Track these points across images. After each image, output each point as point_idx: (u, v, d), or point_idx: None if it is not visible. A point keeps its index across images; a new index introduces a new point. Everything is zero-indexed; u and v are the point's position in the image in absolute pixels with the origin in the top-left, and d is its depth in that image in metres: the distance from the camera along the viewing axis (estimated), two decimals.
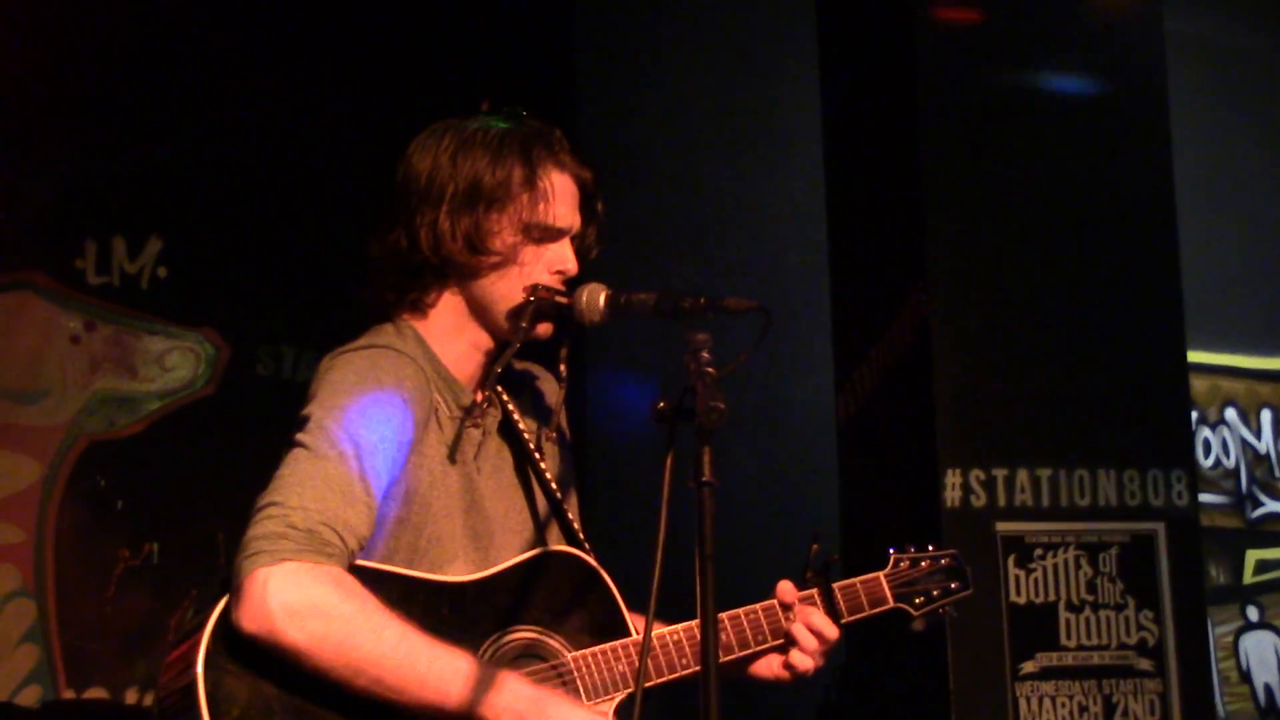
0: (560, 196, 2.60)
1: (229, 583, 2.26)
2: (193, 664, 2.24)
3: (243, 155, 5.13)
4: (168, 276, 5.02)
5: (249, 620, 2.22)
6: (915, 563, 2.87)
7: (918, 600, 2.84)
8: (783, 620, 2.68)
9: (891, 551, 2.86)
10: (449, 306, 2.61)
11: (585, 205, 2.67)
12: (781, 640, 2.69)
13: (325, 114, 5.23)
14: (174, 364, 5.02)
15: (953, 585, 2.89)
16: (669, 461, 2.18)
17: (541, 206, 2.56)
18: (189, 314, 5.04)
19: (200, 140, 5.08)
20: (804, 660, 2.69)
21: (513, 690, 2.33)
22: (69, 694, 4.72)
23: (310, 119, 5.23)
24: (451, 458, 2.54)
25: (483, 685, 2.31)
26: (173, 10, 5.12)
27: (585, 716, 2.38)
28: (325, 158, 5.13)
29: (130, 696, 4.75)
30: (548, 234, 2.59)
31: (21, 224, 4.86)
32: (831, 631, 2.70)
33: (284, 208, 5.14)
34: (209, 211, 5.08)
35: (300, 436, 2.37)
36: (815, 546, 2.76)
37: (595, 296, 2.50)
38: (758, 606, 2.68)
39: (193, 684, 2.22)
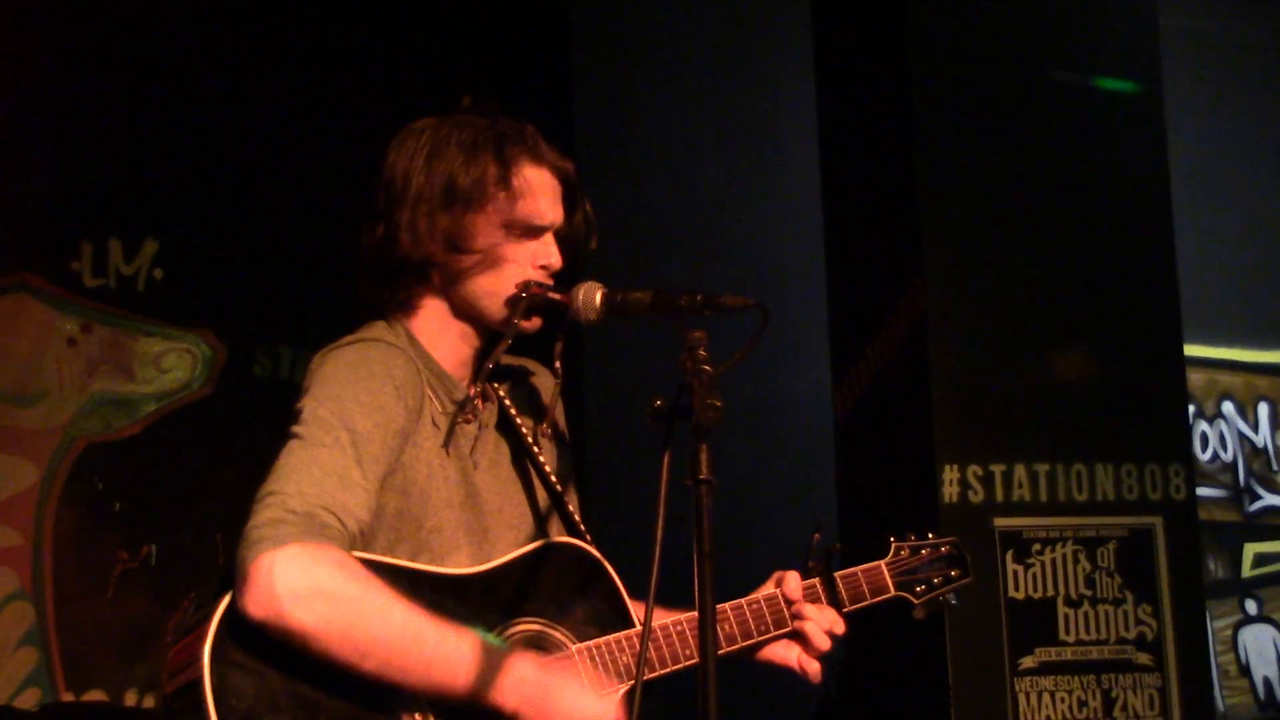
0: (538, 192, 2.60)
1: (232, 575, 2.26)
2: (198, 658, 2.24)
3: (238, 156, 5.13)
4: (164, 278, 5.02)
5: (255, 606, 2.22)
6: (915, 551, 2.86)
7: (919, 588, 2.84)
8: (787, 614, 2.69)
9: (892, 540, 2.86)
10: (436, 305, 2.62)
11: (568, 198, 2.67)
12: (785, 629, 2.69)
13: (320, 115, 5.23)
14: (171, 365, 5.02)
15: (953, 573, 2.88)
16: (666, 460, 2.18)
17: (519, 203, 2.57)
18: (185, 315, 5.05)
19: (195, 142, 5.08)
20: (813, 664, 2.71)
21: (520, 671, 2.34)
22: (68, 696, 4.72)
23: (305, 120, 5.23)
24: (446, 448, 2.55)
25: (490, 666, 2.31)
26: (168, 12, 5.12)
27: (591, 700, 2.39)
28: (320, 158, 5.13)
29: (130, 698, 4.75)
30: (528, 230, 2.59)
31: (17, 226, 4.86)
32: (840, 627, 2.71)
33: (280, 208, 5.14)
34: (205, 213, 5.08)
35: (295, 428, 2.39)
36: (816, 536, 2.77)
37: (591, 295, 2.50)
38: (760, 596, 2.69)
39: (199, 678, 2.22)
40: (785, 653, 2.73)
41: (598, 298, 2.50)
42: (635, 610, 2.60)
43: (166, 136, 5.06)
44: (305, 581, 2.22)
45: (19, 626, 4.71)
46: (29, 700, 4.67)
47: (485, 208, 2.55)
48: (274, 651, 2.25)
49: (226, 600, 2.27)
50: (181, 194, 5.06)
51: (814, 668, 2.71)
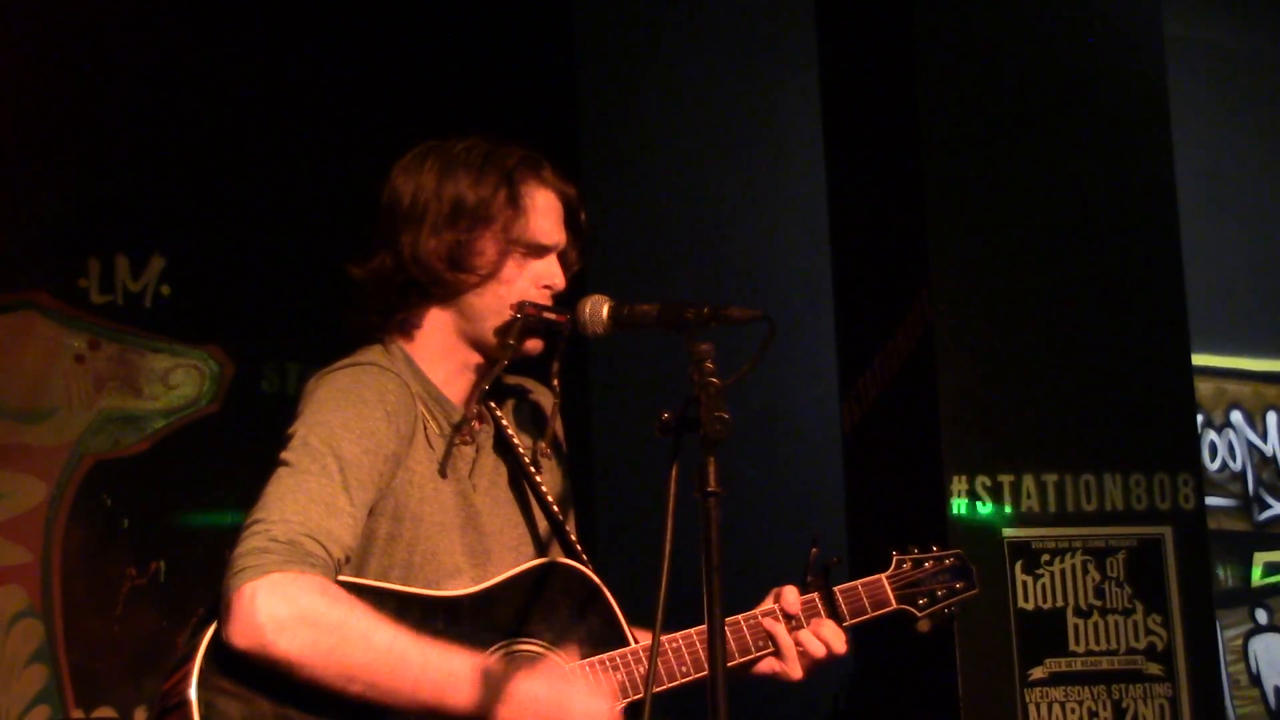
0: (543, 213, 2.61)
1: (218, 604, 2.27)
2: (186, 687, 2.24)
3: (245, 173, 5.14)
4: (171, 294, 5.03)
5: (239, 636, 2.22)
6: (918, 563, 2.84)
7: (921, 601, 2.81)
8: (786, 629, 2.67)
9: (894, 552, 2.84)
10: (436, 326, 2.61)
11: (570, 221, 2.68)
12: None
13: (328, 131, 5.24)
14: (178, 382, 5.02)
15: (958, 585, 2.85)
16: (674, 473, 2.18)
17: (524, 223, 2.58)
18: (193, 332, 5.05)
19: (202, 158, 5.09)
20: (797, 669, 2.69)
21: (527, 684, 2.33)
22: (78, 713, 4.72)
23: (313, 135, 5.24)
24: (442, 473, 2.54)
25: (485, 682, 2.31)
26: (176, 29, 5.13)
27: (602, 703, 2.38)
28: (328, 174, 5.13)
29: (139, 716, 4.74)
30: (532, 250, 2.60)
31: (25, 243, 4.87)
32: (840, 644, 2.69)
33: (287, 225, 5.14)
34: (212, 229, 5.09)
35: (284, 454, 2.39)
36: (815, 550, 2.75)
37: (598, 309, 2.50)
38: (757, 611, 2.68)
39: (186, 706, 2.23)
40: (777, 666, 2.70)
41: (605, 311, 2.49)
42: (632, 633, 2.58)
43: (173, 153, 5.06)
44: (287, 610, 2.22)
45: (28, 644, 4.71)
46: (38, 718, 4.67)
47: (492, 226, 2.57)
48: (261, 678, 2.25)
49: (212, 629, 2.27)
50: (188, 210, 5.07)
51: (796, 669, 2.68)
